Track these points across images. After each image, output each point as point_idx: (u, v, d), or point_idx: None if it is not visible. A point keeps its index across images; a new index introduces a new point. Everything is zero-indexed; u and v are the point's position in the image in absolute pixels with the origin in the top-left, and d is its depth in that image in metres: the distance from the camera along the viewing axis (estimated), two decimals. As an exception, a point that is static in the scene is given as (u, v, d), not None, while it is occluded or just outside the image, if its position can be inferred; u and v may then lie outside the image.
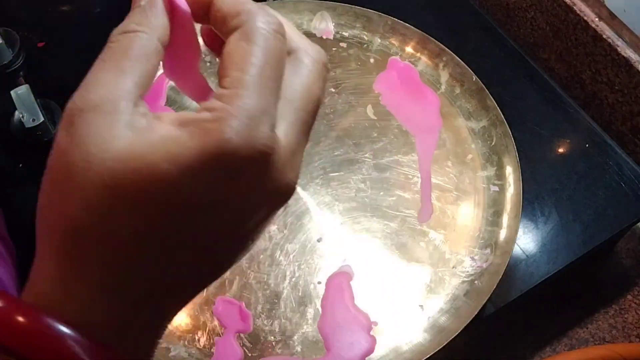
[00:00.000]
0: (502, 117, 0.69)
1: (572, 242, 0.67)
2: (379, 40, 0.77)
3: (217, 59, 0.35)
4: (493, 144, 0.69)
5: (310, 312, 0.61)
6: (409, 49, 0.76)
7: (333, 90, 0.73)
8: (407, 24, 0.75)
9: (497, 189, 0.67)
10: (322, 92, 0.34)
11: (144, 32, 0.31)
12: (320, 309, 0.61)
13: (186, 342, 0.60)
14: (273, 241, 0.65)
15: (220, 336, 0.60)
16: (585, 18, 0.77)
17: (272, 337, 0.60)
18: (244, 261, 0.63)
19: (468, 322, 0.58)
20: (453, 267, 0.63)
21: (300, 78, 0.33)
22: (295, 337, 0.60)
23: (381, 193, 0.67)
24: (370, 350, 0.59)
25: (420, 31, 0.75)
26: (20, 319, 0.27)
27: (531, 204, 0.69)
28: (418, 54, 0.75)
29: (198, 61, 0.38)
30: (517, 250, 0.66)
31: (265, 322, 0.61)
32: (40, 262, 0.30)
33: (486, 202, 0.67)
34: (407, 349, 0.59)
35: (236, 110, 0.29)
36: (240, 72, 0.30)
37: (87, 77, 0.30)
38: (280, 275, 0.63)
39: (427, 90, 0.73)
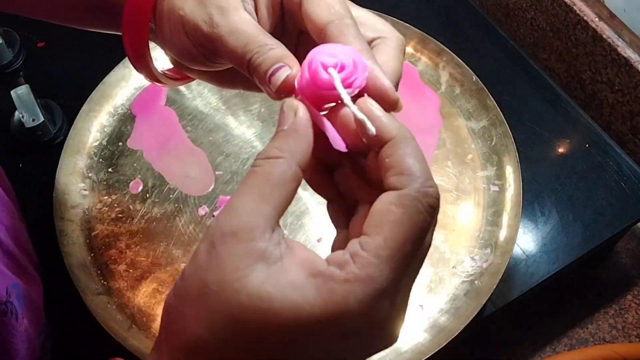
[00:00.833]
0: (502, 117, 0.69)
1: (572, 242, 0.66)
2: (379, 40, 0.76)
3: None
4: (493, 143, 0.69)
5: (310, 312, 0.61)
6: (408, 49, 0.76)
7: (333, 90, 0.73)
8: (406, 24, 0.75)
9: (497, 188, 0.67)
10: (425, 235, 0.34)
11: (284, 157, 0.34)
12: (320, 309, 0.61)
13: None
14: (273, 241, 0.64)
15: None
16: (585, 18, 0.77)
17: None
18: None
19: (468, 322, 0.58)
20: (453, 267, 0.63)
21: (402, 230, 0.32)
22: (296, 337, 0.60)
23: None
24: (370, 350, 0.59)
25: (420, 31, 0.75)
26: None
27: (531, 204, 0.68)
28: (418, 54, 0.75)
29: None
30: (517, 250, 0.66)
31: (265, 322, 0.61)
32: (160, 356, 0.33)
33: (486, 202, 0.66)
34: (407, 349, 0.59)
35: (365, 279, 0.30)
36: (382, 241, 0.31)
37: (231, 199, 0.33)
38: (280, 276, 0.63)
39: (427, 90, 0.73)
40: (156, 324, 0.60)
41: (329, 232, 0.64)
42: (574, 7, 0.77)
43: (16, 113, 0.71)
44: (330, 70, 0.34)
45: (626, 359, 0.61)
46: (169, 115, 0.72)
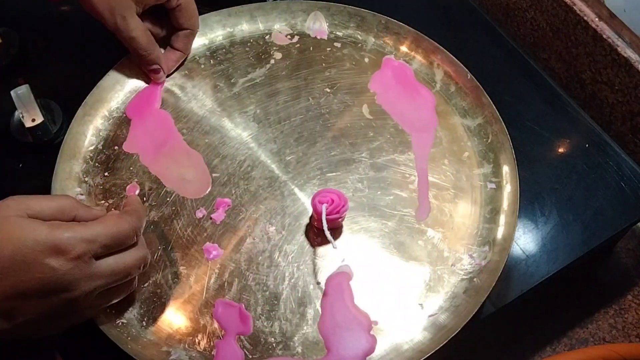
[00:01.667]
0: (498, 114, 0.69)
1: (572, 242, 0.66)
2: (373, 40, 0.77)
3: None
4: (489, 141, 0.69)
5: (310, 312, 0.61)
6: (403, 48, 0.76)
7: (328, 90, 0.73)
8: (401, 23, 0.75)
9: (494, 186, 0.67)
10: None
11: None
12: (320, 310, 0.61)
13: (186, 345, 0.59)
14: (271, 242, 0.64)
15: (220, 339, 0.60)
16: (585, 18, 0.77)
17: (273, 339, 0.60)
18: (242, 263, 0.63)
19: (468, 319, 0.58)
20: (452, 265, 0.63)
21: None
22: (296, 338, 0.60)
23: (378, 192, 0.67)
24: (370, 350, 0.59)
25: (414, 30, 0.75)
26: None
27: (531, 203, 0.68)
28: (412, 53, 0.75)
29: None
30: (517, 250, 0.66)
31: (265, 323, 0.61)
32: None
33: (483, 199, 0.67)
34: (407, 348, 0.59)
35: (79, 226, 0.51)
36: (97, 221, 0.53)
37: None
38: (279, 277, 0.63)
39: (422, 88, 0.73)
40: (155, 327, 0.60)
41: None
42: (574, 7, 0.77)
43: (16, 113, 0.71)
44: (323, 206, 0.61)
45: (626, 359, 0.60)
46: (164, 118, 0.72)
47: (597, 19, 0.77)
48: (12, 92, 0.70)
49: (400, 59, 0.75)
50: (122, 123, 0.71)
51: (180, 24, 0.72)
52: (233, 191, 0.67)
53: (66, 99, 0.73)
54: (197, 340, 0.60)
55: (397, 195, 0.67)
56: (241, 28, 0.77)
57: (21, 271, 0.48)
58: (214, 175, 0.68)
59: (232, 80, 0.74)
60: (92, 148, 0.70)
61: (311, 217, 0.65)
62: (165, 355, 0.59)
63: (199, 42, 0.76)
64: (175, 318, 0.61)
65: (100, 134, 0.71)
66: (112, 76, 0.72)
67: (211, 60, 0.75)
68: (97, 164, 0.69)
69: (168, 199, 0.67)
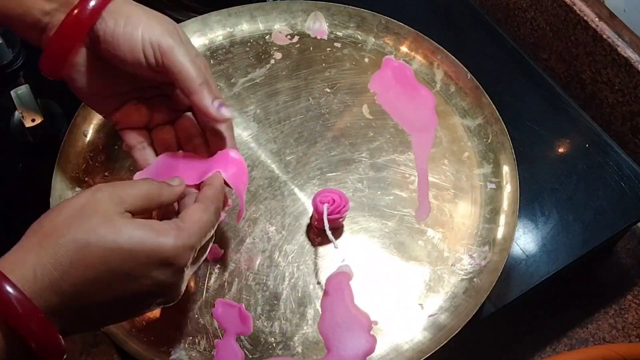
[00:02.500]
0: (498, 114, 0.69)
1: (572, 242, 0.66)
2: (373, 40, 0.77)
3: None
4: (489, 141, 0.69)
5: (310, 312, 0.61)
6: (403, 48, 0.76)
7: (328, 90, 0.73)
8: (401, 23, 0.75)
9: (494, 186, 0.67)
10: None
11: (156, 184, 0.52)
12: (320, 310, 0.61)
13: (186, 345, 0.59)
14: (271, 242, 0.64)
15: (220, 339, 0.60)
16: (585, 18, 0.77)
17: (273, 339, 0.60)
18: (242, 263, 0.63)
19: (468, 319, 0.58)
20: (452, 265, 0.63)
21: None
22: (296, 338, 0.60)
23: (378, 192, 0.67)
24: (370, 350, 0.59)
25: (414, 30, 0.75)
26: None
27: (531, 203, 0.68)
28: (412, 53, 0.75)
29: None
30: (517, 250, 0.66)
31: (265, 323, 0.61)
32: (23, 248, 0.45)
33: (483, 199, 0.67)
34: (407, 348, 0.59)
35: (186, 234, 0.48)
36: (193, 221, 0.50)
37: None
38: (279, 277, 0.63)
39: (422, 88, 0.73)
40: (155, 327, 0.60)
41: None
42: (574, 7, 0.77)
43: (16, 113, 0.71)
44: (325, 205, 0.61)
45: (626, 359, 0.61)
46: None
47: (597, 19, 0.77)
48: (12, 92, 0.70)
49: (400, 59, 0.75)
50: (122, 123, 0.71)
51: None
52: (233, 191, 0.67)
53: (66, 99, 0.73)
54: (197, 340, 0.60)
55: (397, 195, 0.67)
56: (241, 28, 0.77)
57: (126, 282, 0.46)
58: (214, 175, 0.68)
59: (232, 80, 0.74)
60: (92, 148, 0.70)
61: (311, 217, 0.65)
62: (165, 355, 0.59)
63: (199, 42, 0.76)
64: (175, 318, 0.61)
65: (100, 133, 0.71)
66: (113, 76, 0.72)
67: (211, 60, 0.75)
68: (97, 164, 0.69)
69: (168, 199, 0.67)
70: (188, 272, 0.50)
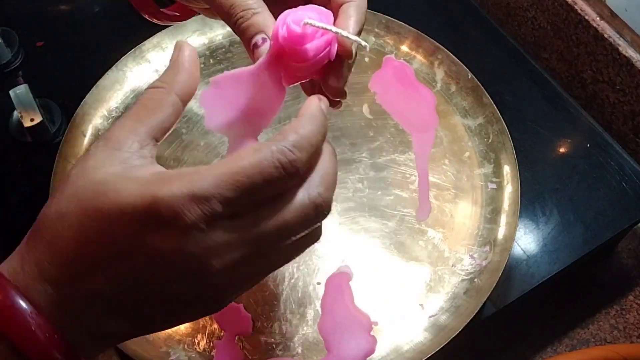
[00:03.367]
0: (499, 114, 0.69)
1: (573, 242, 0.66)
2: (374, 39, 0.76)
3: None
4: (490, 141, 0.69)
5: (310, 313, 0.61)
6: (403, 48, 0.75)
7: (329, 90, 0.73)
8: (401, 22, 0.75)
9: (494, 186, 0.67)
10: (301, 231, 0.38)
11: (163, 87, 0.39)
12: (320, 310, 0.61)
13: (186, 346, 0.59)
14: (272, 242, 0.64)
15: (220, 339, 0.60)
16: (587, 17, 0.77)
17: (272, 339, 0.60)
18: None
19: (469, 320, 0.58)
20: (452, 266, 0.63)
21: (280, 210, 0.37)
22: (296, 339, 0.60)
23: (379, 192, 0.67)
24: (371, 351, 0.59)
25: (415, 29, 0.75)
26: None
27: (532, 204, 0.68)
28: (413, 52, 0.75)
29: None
30: (518, 250, 0.66)
31: (265, 324, 0.60)
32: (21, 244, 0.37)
33: (484, 199, 0.66)
34: (408, 349, 0.59)
35: (185, 181, 0.34)
36: (223, 163, 0.35)
37: (117, 120, 0.39)
38: (279, 277, 0.63)
39: (422, 88, 0.73)
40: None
41: (328, 232, 0.64)
42: (575, 7, 0.77)
43: (15, 113, 0.71)
44: (307, 20, 0.39)
45: (627, 359, 0.60)
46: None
47: (598, 18, 0.76)
48: (10, 92, 0.70)
49: (400, 59, 0.75)
50: (121, 123, 0.71)
51: None
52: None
53: (65, 99, 0.73)
54: (196, 341, 0.60)
55: (397, 195, 0.67)
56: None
57: (115, 259, 0.34)
58: (213, 174, 0.68)
59: (232, 80, 0.74)
60: (91, 148, 0.70)
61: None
62: (165, 356, 0.59)
63: (199, 42, 0.76)
64: (174, 318, 0.61)
65: (100, 133, 0.70)
66: (112, 75, 0.72)
67: (211, 60, 0.75)
68: (96, 164, 0.69)
69: (167, 199, 0.67)
70: (226, 237, 0.34)
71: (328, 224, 0.64)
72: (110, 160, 0.36)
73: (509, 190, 0.66)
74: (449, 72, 0.73)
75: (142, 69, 0.73)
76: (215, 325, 0.60)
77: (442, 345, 0.57)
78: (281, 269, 0.62)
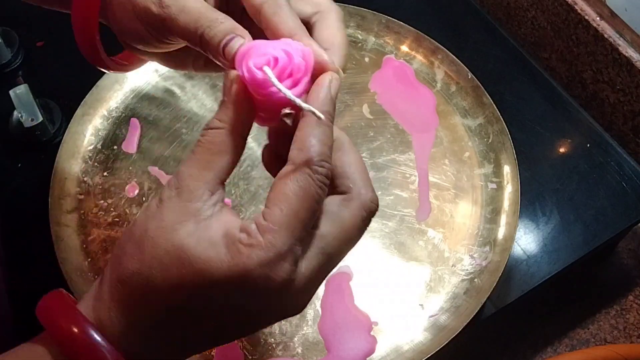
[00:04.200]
0: (499, 114, 0.69)
1: (574, 242, 0.66)
2: (374, 39, 0.76)
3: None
4: (490, 141, 0.69)
5: (310, 313, 0.61)
6: (404, 48, 0.75)
7: (329, 89, 0.73)
8: (401, 23, 0.75)
9: (494, 186, 0.67)
10: (359, 236, 0.40)
11: (224, 128, 0.38)
12: (320, 310, 0.61)
13: (186, 344, 0.59)
14: (272, 241, 0.64)
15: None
16: (587, 17, 0.77)
17: (272, 339, 0.60)
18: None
19: (469, 320, 0.58)
20: (452, 266, 0.63)
21: (340, 221, 0.38)
22: (296, 339, 0.60)
23: (379, 192, 0.67)
24: (371, 351, 0.59)
25: (415, 29, 0.75)
26: (74, 329, 0.37)
27: (532, 204, 0.68)
28: (413, 52, 0.75)
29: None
30: (518, 250, 0.66)
31: (265, 323, 0.60)
32: (100, 285, 0.39)
33: (484, 199, 0.66)
34: (408, 349, 0.59)
35: (265, 244, 0.35)
36: (278, 210, 0.35)
37: (180, 166, 0.38)
38: (279, 276, 0.62)
39: (422, 88, 0.73)
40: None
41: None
42: (575, 7, 0.77)
43: (15, 113, 0.71)
44: (265, 68, 0.36)
45: (627, 359, 0.60)
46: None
47: (598, 18, 0.76)
48: (10, 92, 0.70)
49: (400, 59, 0.75)
50: (121, 123, 0.71)
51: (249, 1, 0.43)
52: (233, 191, 0.67)
53: (65, 99, 0.73)
54: (196, 341, 0.60)
55: (397, 195, 0.67)
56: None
57: (207, 319, 0.37)
58: (213, 174, 0.68)
59: (232, 80, 0.74)
60: (91, 148, 0.70)
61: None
62: (165, 356, 0.59)
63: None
64: (174, 318, 0.61)
65: (100, 133, 0.70)
66: (112, 76, 0.72)
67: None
68: (96, 164, 0.69)
69: (168, 199, 0.67)
70: (305, 271, 0.37)
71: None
72: (185, 215, 0.36)
73: (509, 190, 0.66)
74: (449, 72, 0.73)
75: (142, 69, 0.73)
76: (215, 325, 0.60)
77: (442, 345, 0.57)
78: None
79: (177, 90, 0.73)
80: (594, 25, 0.76)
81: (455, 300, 0.61)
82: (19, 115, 0.70)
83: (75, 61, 0.78)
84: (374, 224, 0.65)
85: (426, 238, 0.65)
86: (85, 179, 0.68)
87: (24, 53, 0.78)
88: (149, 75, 0.74)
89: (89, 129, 0.70)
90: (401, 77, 0.74)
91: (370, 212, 0.39)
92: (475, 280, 0.62)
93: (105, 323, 0.37)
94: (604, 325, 0.70)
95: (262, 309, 0.37)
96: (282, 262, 0.35)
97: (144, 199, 0.67)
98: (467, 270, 0.63)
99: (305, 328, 0.60)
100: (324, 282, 0.61)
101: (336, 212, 0.38)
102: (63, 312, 0.38)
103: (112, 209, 0.66)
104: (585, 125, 0.73)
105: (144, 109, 0.72)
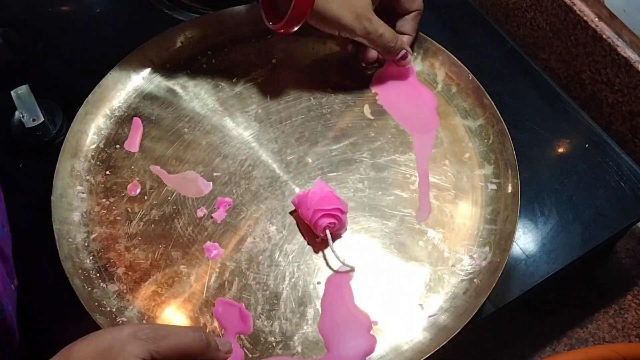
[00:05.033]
0: (499, 115, 0.69)
1: (572, 242, 0.66)
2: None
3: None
4: (490, 142, 0.69)
5: (310, 312, 0.61)
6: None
7: (330, 90, 0.73)
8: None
9: (494, 187, 0.67)
10: None
11: None
12: (320, 309, 0.61)
13: (186, 343, 0.60)
14: (272, 242, 0.65)
15: (220, 338, 0.60)
16: (585, 18, 0.77)
17: (273, 338, 0.60)
18: (243, 263, 0.63)
19: (468, 320, 0.58)
20: (452, 266, 0.63)
21: None
22: (296, 338, 0.60)
23: (379, 193, 0.67)
24: (370, 350, 0.59)
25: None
26: None
27: (531, 204, 0.68)
28: (414, 53, 0.75)
29: None
30: (517, 250, 0.66)
31: (265, 323, 0.61)
32: None
33: (484, 200, 0.67)
34: (407, 348, 0.59)
35: None
36: None
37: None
38: (279, 276, 0.63)
39: (423, 89, 0.73)
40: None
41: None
42: (574, 7, 0.77)
43: (16, 113, 0.71)
44: (327, 232, 0.62)
45: (626, 358, 0.61)
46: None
47: (596, 19, 0.77)
48: (12, 92, 0.70)
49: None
50: (123, 122, 0.72)
51: (407, 9, 0.73)
52: (234, 190, 0.67)
53: (66, 99, 0.73)
54: (197, 340, 0.60)
55: (397, 195, 0.67)
56: (242, 28, 0.77)
57: None
58: (214, 174, 0.68)
59: (233, 80, 0.74)
60: (93, 147, 0.70)
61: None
62: (166, 355, 0.59)
63: (200, 43, 0.76)
64: (175, 317, 0.61)
65: (102, 132, 0.71)
66: (114, 75, 0.72)
67: (213, 60, 0.75)
68: (98, 163, 0.69)
69: (169, 198, 0.67)
70: None
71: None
72: None
73: (509, 190, 0.66)
74: (450, 73, 0.73)
75: (144, 69, 0.74)
76: (216, 324, 0.60)
77: (441, 345, 0.57)
78: (282, 268, 0.63)
79: (179, 90, 0.74)
80: (593, 26, 0.76)
81: (455, 300, 0.61)
82: (21, 116, 0.70)
83: (76, 61, 0.79)
84: (374, 223, 0.65)
85: (426, 238, 0.65)
86: (87, 177, 0.68)
87: (25, 53, 0.78)
88: (151, 75, 0.74)
89: (91, 127, 0.70)
90: (402, 78, 0.74)
91: None
92: (475, 280, 0.62)
93: None
94: (603, 325, 0.70)
95: None
96: None
97: (145, 197, 0.67)
98: (467, 270, 0.63)
99: (305, 327, 0.60)
100: (324, 281, 0.62)
101: None
102: None
103: (114, 207, 0.66)
104: (584, 126, 0.74)
105: (146, 109, 0.73)
